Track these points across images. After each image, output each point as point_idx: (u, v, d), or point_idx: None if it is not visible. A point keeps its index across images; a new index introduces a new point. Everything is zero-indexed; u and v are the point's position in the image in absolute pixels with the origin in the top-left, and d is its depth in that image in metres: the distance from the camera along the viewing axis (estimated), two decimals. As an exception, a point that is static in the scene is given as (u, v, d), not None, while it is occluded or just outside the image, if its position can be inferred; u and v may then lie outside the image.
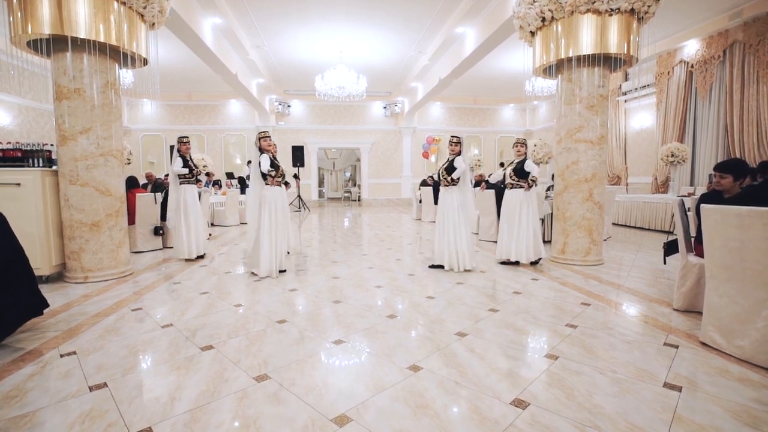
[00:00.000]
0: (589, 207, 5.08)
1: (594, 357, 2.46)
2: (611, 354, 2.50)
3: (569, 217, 5.17)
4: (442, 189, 4.85)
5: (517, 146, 5.01)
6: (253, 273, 4.59)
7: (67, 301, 3.71)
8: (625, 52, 4.70)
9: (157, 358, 2.47)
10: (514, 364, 2.37)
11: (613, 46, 4.70)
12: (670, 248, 3.52)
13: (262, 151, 4.62)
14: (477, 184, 10.30)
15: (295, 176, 6.23)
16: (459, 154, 4.71)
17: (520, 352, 2.55)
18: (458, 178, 4.71)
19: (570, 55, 4.82)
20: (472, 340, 2.74)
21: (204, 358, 2.46)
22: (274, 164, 4.61)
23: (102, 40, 4.08)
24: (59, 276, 4.47)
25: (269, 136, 4.63)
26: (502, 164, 14.81)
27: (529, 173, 4.94)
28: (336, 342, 2.72)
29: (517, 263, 5.08)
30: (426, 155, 16.38)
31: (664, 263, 3.61)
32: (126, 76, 10.37)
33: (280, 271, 4.70)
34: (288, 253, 5.78)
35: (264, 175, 4.58)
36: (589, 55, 4.78)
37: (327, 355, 2.52)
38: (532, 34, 5.30)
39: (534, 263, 5.08)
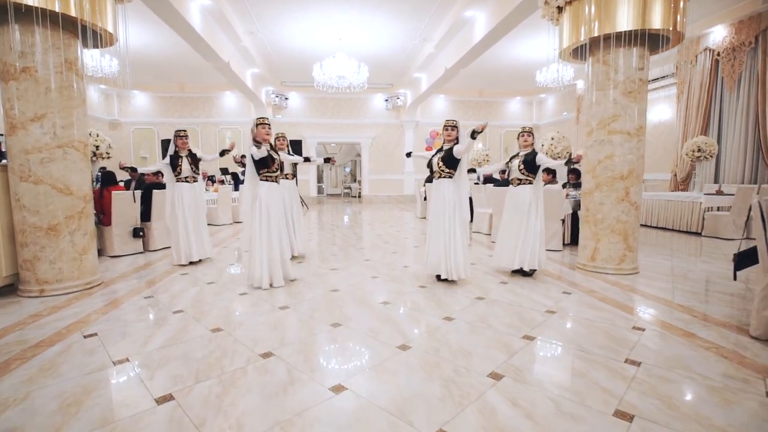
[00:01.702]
0: (624, 208, 4.45)
1: (680, 416, 1.83)
2: (701, 411, 1.87)
3: (601, 220, 4.53)
4: (434, 181, 4.10)
5: (523, 136, 4.29)
6: (253, 287, 3.97)
7: (12, 321, 3.08)
8: (672, 28, 4.05)
9: (93, 418, 1.84)
10: (578, 431, 1.74)
11: (657, 21, 4.04)
12: (743, 260, 2.89)
13: (255, 141, 3.97)
14: (487, 180, 9.66)
15: (326, 159, 5.41)
16: (457, 141, 4.02)
17: (579, 406, 1.92)
18: (455, 169, 4.02)
19: (607, 33, 4.16)
20: (511, 385, 2.11)
21: (157, 417, 1.83)
22: (271, 157, 3.95)
23: (56, 9, 3.42)
24: (12, 288, 3.84)
25: (268, 124, 3.95)
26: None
27: (539, 167, 4.25)
28: (334, 389, 2.09)
29: (519, 271, 4.43)
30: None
31: (734, 278, 2.99)
32: (111, 64, 9.76)
33: (291, 280, 4.17)
34: (293, 257, 5.17)
35: (258, 167, 3.94)
36: (627, 32, 4.13)
37: (322, 412, 1.89)
38: (560, 9, 4.64)
39: (529, 273, 4.42)
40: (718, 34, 8.66)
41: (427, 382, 2.14)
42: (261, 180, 3.96)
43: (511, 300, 3.58)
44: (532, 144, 4.28)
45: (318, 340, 2.73)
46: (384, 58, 11.90)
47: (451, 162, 4.00)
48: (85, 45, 3.97)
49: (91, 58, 9.00)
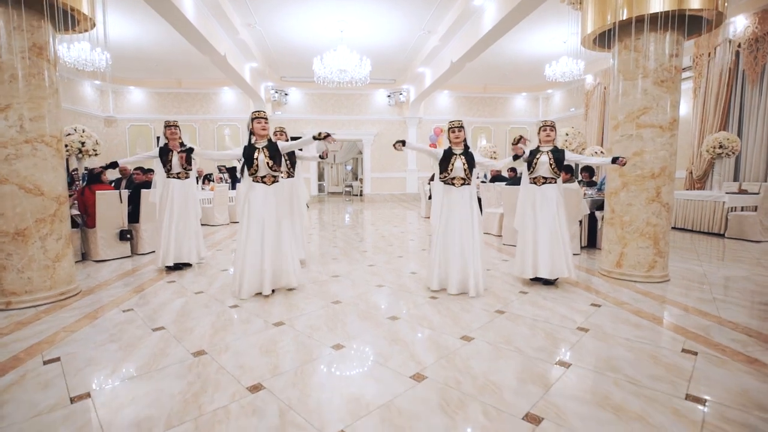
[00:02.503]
0: (655, 209, 4.04)
1: (781, 483, 1.43)
2: (804, 474, 1.47)
3: (628, 222, 4.13)
4: (455, 189, 3.67)
5: (545, 130, 3.86)
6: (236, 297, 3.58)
7: (-32, 341, 2.69)
8: (714, 8, 3.63)
9: (30, 485, 1.45)
10: (655, 507, 1.34)
11: (696, 0, 3.62)
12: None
13: (251, 137, 3.61)
14: (495, 179, 9.26)
15: (321, 156, 4.95)
16: (465, 142, 3.70)
17: (645, 466, 1.52)
18: (471, 175, 3.68)
19: (639, 15, 3.74)
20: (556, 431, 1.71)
21: (111, 483, 1.44)
22: (249, 155, 3.55)
23: (19, -15, 3.02)
24: (-23, 300, 3.45)
25: (265, 117, 3.59)
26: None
27: (569, 166, 3.88)
28: (337, 438, 1.69)
29: (539, 279, 4.02)
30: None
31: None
32: (101, 58, 9.33)
33: (289, 289, 3.78)
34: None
35: (247, 166, 3.56)
36: (661, 13, 3.71)
37: (322, 474, 1.49)
38: (584, -9, 4.22)
39: (551, 281, 4.00)
40: (740, 24, 8.22)
41: (451, 429, 1.74)
42: (253, 182, 3.60)
43: (535, 314, 3.18)
44: (554, 139, 3.88)
45: (317, 367, 2.33)
46: (387, 51, 11.47)
47: (473, 168, 3.67)
48: (58, 29, 3.55)
49: (82, 50, 8.60)
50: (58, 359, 2.41)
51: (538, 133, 3.92)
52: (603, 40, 4.34)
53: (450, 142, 3.69)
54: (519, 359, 2.41)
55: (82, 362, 2.37)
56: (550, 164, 3.84)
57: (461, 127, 3.62)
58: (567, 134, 7.54)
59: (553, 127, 3.87)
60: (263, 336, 2.77)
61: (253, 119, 3.58)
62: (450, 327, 2.92)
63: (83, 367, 2.31)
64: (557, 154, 3.83)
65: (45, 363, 2.36)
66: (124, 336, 2.78)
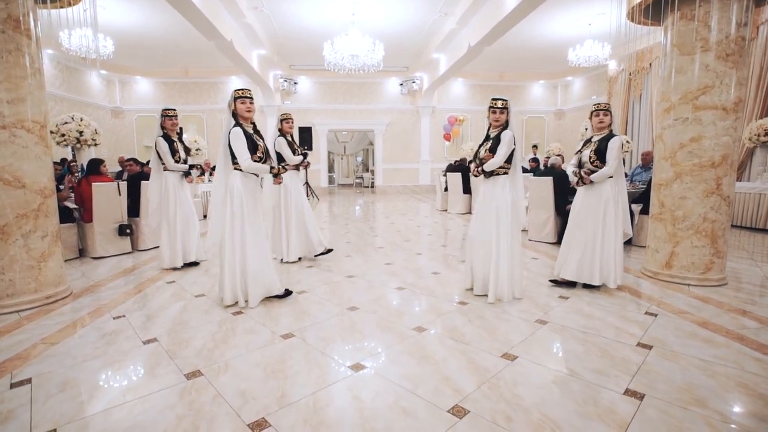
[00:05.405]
0: (714, 203, 3.55)
1: None
2: None
3: (681, 218, 3.64)
4: (483, 179, 3.30)
5: (598, 115, 3.38)
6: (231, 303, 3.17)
7: (-65, 354, 2.35)
8: (794, -32, 3.11)
9: None
10: None
11: (773, -42, 3.10)
12: None
13: (237, 119, 3.07)
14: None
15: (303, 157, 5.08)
16: (506, 125, 3.19)
17: None
18: (509, 162, 3.20)
19: (702, -24, 3.23)
20: (653, 504, 1.29)
21: None
22: (251, 141, 3.05)
23: (-11, -55, 2.62)
24: (-45, 304, 3.12)
25: (250, 97, 3.06)
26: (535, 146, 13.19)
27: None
28: (363, 508, 1.29)
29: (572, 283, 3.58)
30: (447, 137, 14.77)
31: None
32: (106, 45, 8.97)
33: (280, 296, 3.28)
34: (299, 258, 4.67)
35: (234, 157, 3.03)
36: (731, -24, 3.20)
37: None
38: (633, -47, 3.70)
39: (593, 286, 3.48)
40: (787, 1, 7.53)
41: (511, 496, 1.33)
42: (235, 169, 3.07)
43: (583, 325, 2.74)
44: (610, 125, 3.40)
45: (333, 395, 1.93)
46: (400, 36, 10.92)
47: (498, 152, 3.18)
48: (38, 0, 3.16)
49: (83, 36, 8.24)
50: (29, 381, 2.04)
51: (590, 119, 3.46)
52: (649, 12, 3.83)
53: (490, 124, 3.27)
54: (576, 386, 1.99)
55: (55, 386, 2.00)
56: (590, 158, 3.41)
57: (503, 109, 3.15)
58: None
59: (607, 111, 3.39)
60: (269, 351, 2.37)
61: (236, 98, 3.03)
62: (487, 341, 2.50)
63: (55, 393, 1.94)
64: (602, 144, 3.38)
65: (12, 386, 2.00)
66: (110, 350, 2.41)
